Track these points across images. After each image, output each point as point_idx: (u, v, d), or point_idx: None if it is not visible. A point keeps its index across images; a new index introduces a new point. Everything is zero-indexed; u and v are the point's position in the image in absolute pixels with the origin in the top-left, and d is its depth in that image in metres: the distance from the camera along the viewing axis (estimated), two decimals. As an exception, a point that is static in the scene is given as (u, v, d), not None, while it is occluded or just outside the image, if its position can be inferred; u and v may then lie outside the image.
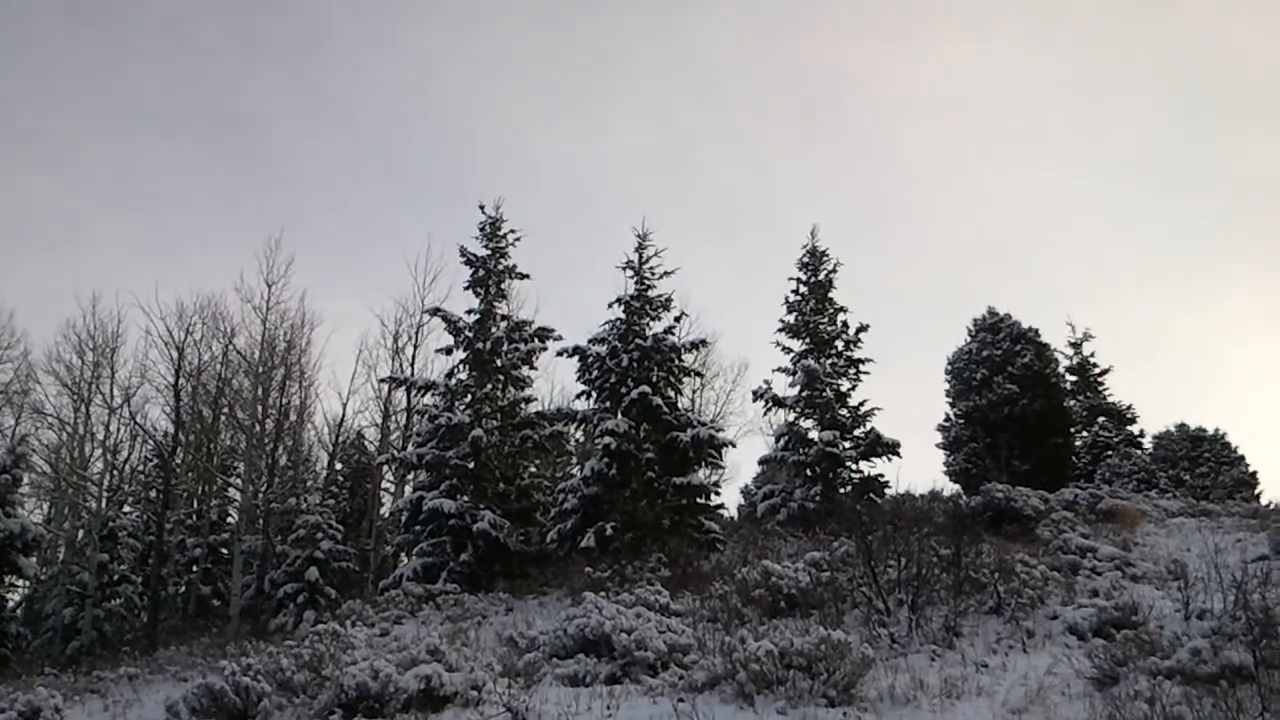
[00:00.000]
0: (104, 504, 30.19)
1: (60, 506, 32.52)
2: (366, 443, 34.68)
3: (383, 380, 30.54)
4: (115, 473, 32.61)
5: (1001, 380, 33.25)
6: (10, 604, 27.76)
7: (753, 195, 79.27)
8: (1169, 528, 23.03)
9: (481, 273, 23.74)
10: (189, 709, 10.86)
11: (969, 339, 35.69)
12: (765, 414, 27.96)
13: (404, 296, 45.83)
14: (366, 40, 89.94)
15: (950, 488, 29.85)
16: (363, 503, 32.26)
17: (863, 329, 27.21)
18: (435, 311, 24.18)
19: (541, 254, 65.55)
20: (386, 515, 31.07)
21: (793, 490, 25.09)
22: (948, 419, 35.53)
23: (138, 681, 16.18)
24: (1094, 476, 33.43)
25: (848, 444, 25.58)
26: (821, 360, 26.70)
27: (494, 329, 23.23)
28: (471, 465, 21.84)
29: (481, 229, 24.26)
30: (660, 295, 22.33)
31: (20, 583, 28.55)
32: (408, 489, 26.56)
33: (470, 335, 23.06)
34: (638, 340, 21.31)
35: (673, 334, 22.10)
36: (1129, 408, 37.86)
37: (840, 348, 27.34)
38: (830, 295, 27.84)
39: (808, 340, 27.38)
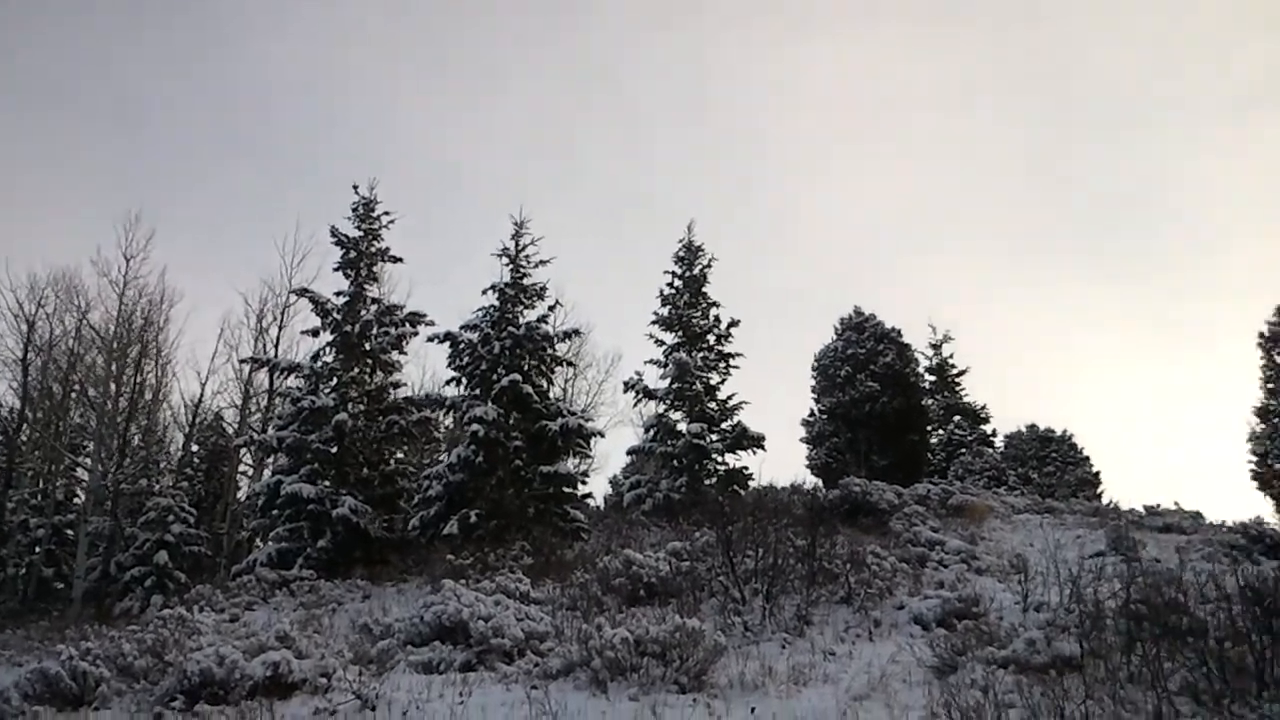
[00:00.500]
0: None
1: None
2: (225, 425, 33.64)
3: (244, 361, 29.61)
4: (-47, 450, 30.93)
5: (864, 378, 34.26)
6: None
7: (631, 189, 79.71)
8: (1015, 523, 24.13)
9: (353, 254, 23.31)
10: (20, 694, 10.41)
11: (835, 337, 36.66)
12: (636, 405, 28.21)
13: (271, 276, 44.53)
14: (246, 12, 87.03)
15: (812, 481, 30.69)
16: (219, 486, 31.34)
17: (734, 324, 27.73)
18: (303, 292, 23.64)
19: (418, 240, 64.50)
20: (243, 499, 30.21)
21: (659, 481, 25.41)
22: (812, 414, 36.43)
23: (-31, 667, 15.43)
24: (948, 473, 34.76)
25: (715, 436, 26.02)
26: (693, 353, 27.08)
27: (364, 312, 22.83)
28: (334, 450, 21.47)
29: (354, 210, 23.80)
30: (535, 284, 22.30)
31: None
32: (266, 473, 25.93)
33: (338, 317, 22.62)
34: (510, 328, 21.24)
35: (546, 323, 22.11)
36: (983, 408, 39.53)
37: (712, 342, 27.79)
38: (704, 290, 28.26)
39: (680, 333, 27.74)
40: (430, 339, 22.02)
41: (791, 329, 72.04)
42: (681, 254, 28.68)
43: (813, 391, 36.75)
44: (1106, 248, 75.71)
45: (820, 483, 29.94)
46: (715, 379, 27.24)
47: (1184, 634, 8.85)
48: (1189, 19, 69.38)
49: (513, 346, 21.01)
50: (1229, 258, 69.93)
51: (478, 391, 21.12)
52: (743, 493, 24.87)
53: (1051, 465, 36.48)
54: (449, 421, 28.15)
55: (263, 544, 22.00)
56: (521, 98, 79.85)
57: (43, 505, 31.14)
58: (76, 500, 31.80)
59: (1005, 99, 76.27)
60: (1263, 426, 32.34)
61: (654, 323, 28.07)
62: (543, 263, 22.40)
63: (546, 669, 10.61)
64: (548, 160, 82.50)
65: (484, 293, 21.89)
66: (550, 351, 22.00)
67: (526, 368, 21.07)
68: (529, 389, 20.50)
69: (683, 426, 25.97)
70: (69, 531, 30.62)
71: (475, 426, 19.58)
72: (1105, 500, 32.10)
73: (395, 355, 23.34)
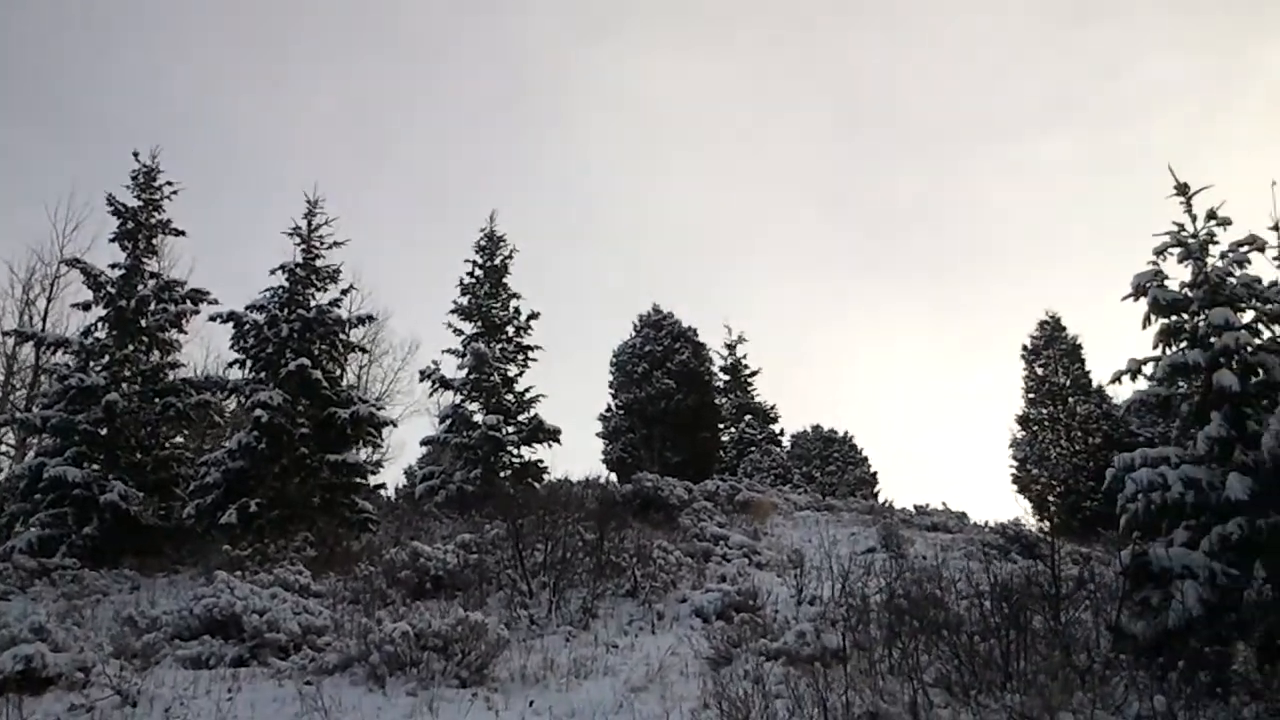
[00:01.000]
0: None
1: None
2: (-16, 402, 31.06)
3: (8, 334, 27.32)
4: None
5: (660, 375, 34.82)
6: None
7: (437, 176, 78.21)
8: (796, 520, 25.16)
9: (131, 225, 21.86)
10: None
11: (634, 334, 37.15)
12: (432, 394, 27.82)
13: (40, 244, 41.32)
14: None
15: (608, 475, 31.00)
16: (-26, 468, 28.88)
17: (534, 316, 27.74)
18: (75, 263, 21.99)
19: (209, 216, 61.04)
20: (3, 481, 27.96)
21: (453, 472, 25.10)
22: (609, 409, 36.80)
23: None
24: (738, 470, 35.83)
25: (511, 429, 25.92)
26: (492, 344, 26.90)
27: (141, 287, 21.46)
28: (104, 432, 20.11)
29: (134, 178, 22.29)
30: (329, 266, 21.50)
31: None
32: (29, 455, 24.09)
33: (113, 291, 21.18)
34: (300, 310, 20.43)
35: (339, 307, 21.34)
36: (773, 408, 40.96)
37: (511, 333, 27.69)
38: (505, 281, 28.12)
39: (480, 324, 27.50)
40: (213, 318, 20.91)
41: (594, 325, 72.46)
42: (483, 243, 28.43)
43: (610, 387, 37.12)
44: (892, 259, 79.76)
45: (615, 477, 30.30)
46: (514, 371, 27.17)
47: (941, 628, 9.43)
48: (978, 42, 73.95)
49: (302, 330, 20.23)
50: (1004, 272, 74.94)
51: (263, 375, 20.25)
52: (537, 486, 24.90)
53: (834, 465, 38.19)
54: (234, 406, 26.94)
55: (23, 529, 20.41)
56: (329, 81, 77.07)
57: None
58: None
59: (797, 112, 79.20)
60: (1023, 433, 34.83)
61: (453, 312, 27.74)
62: (337, 244, 21.63)
63: (323, 664, 10.33)
64: (353, 143, 80.00)
65: (272, 273, 20.99)
66: (343, 336, 21.29)
67: (316, 352, 20.33)
68: (318, 374, 19.80)
69: (479, 418, 25.75)
70: None
71: (259, 412, 18.75)
72: (880, 499, 33.91)
73: (174, 334, 22.04)
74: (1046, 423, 34.31)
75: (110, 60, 71.66)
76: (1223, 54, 69.50)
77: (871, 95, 77.88)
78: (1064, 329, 35.30)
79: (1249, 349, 9.56)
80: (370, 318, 23.23)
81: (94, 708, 8.82)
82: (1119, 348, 33.51)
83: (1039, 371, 35.15)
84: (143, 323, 21.30)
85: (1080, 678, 8.09)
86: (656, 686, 9.55)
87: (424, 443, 27.49)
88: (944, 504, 29.23)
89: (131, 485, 19.45)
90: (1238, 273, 9.96)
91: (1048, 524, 29.58)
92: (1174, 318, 10.18)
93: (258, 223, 66.66)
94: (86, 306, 21.36)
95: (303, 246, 21.26)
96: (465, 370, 26.21)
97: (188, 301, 21.63)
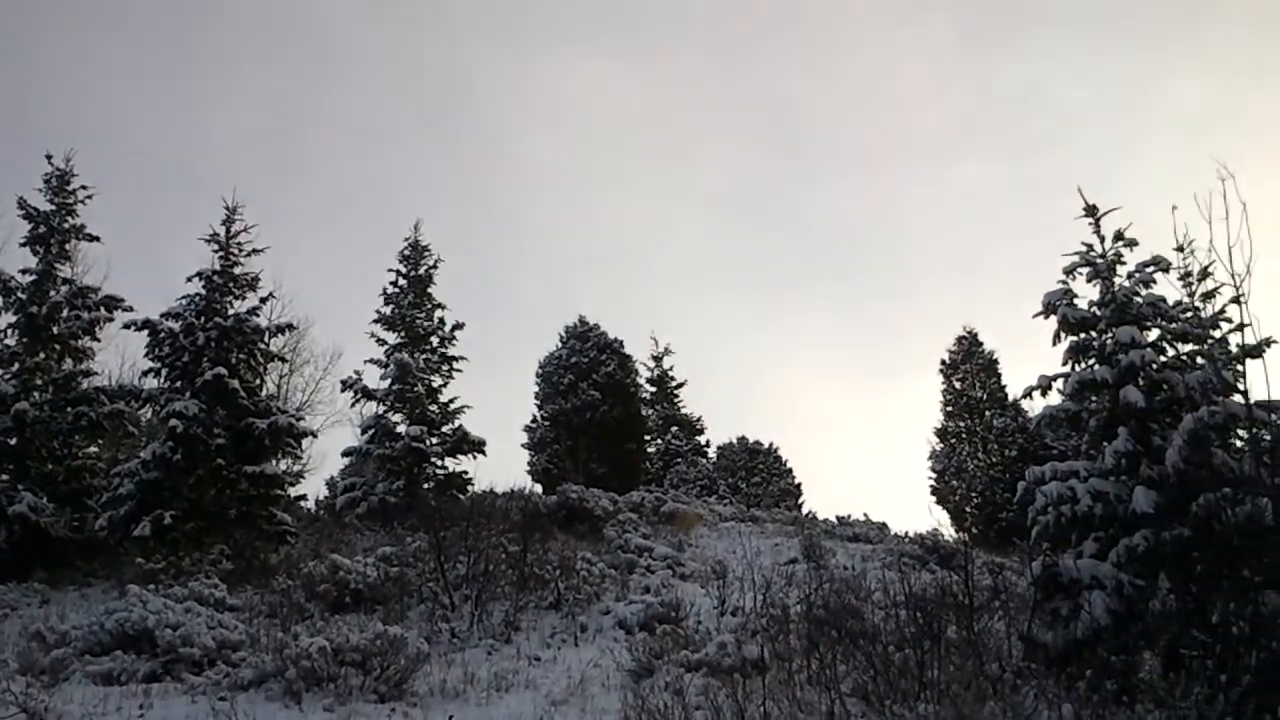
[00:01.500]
0: None
1: None
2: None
3: (-91, 339, 26.41)
4: None
5: (586, 386, 34.86)
6: None
7: (361, 185, 77.20)
8: (721, 531, 25.28)
9: (43, 229, 21.24)
10: None
11: (560, 345, 37.11)
12: (354, 405, 27.38)
13: (-54, 247, 39.86)
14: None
15: (534, 487, 30.86)
16: None
17: (458, 326, 27.52)
18: (-18, 268, 21.34)
19: (125, 222, 59.38)
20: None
21: (376, 484, 24.80)
22: (535, 420, 36.73)
23: None
24: (664, 481, 35.92)
25: (435, 440, 25.68)
26: (416, 355, 26.64)
27: (53, 293, 20.85)
28: (14, 441, 19.50)
29: (47, 181, 21.66)
30: (248, 273, 21.07)
31: None
32: (-69, 465, 23.22)
33: (23, 297, 20.56)
34: (218, 318, 20.00)
35: (258, 315, 20.94)
36: (699, 419, 41.20)
37: (435, 343, 27.45)
38: (429, 290, 27.87)
39: (403, 333, 27.23)
40: (127, 326, 20.39)
41: (520, 336, 72.15)
42: (407, 252, 28.15)
43: (536, 398, 37.06)
44: (815, 274, 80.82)
45: (540, 489, 30.18)
46: (438, 381, 26.93)
47: (858, 638, 9.57)
48: (900, 62, 75.44)
49: (219, 338, 19.82)
50: (924, 288, 76.33)
51: (179, 384, 19.80)
52: (462, 497, 24.69)
53: (759, 476, 38.44)
54: (149, 415, 26.29)
55: (-74, 543, 19.66)
56: (248, 86, 75.70)
57: None
58: None
59: (721, 127, 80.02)
60: (941, 446, 35.52)
61: (376, 321, 27.39)
62: (257, 251, 21.21)
63: (238, 680, 10.12)
64: (275, 150, 78.74)
65: (189, 280, 20.53)
66: (262, 345, 20.89)
67: (234, 361, 19.93)
68: (236, 384, 19.40)
69: (403, 429, 25.47)
70: None
71: (174, 422, 18.32)
72: (804, 511, 34.26)
73: (88, 341, 21.47)
74: (964, 435, 35.05)
75: (22, 61, 69.66)
76: (1132, 82, 71.85)
77: (793, 113, 79.00)
78: (981, 344, 36.13)
79: (1154, 366, 9.90)
80: (290, 326, 22.78)
81: (-4, 727, 8.56)
82: (1034, 363, 34.37)
83: (957, 385, 35.91)
84: (55, 330, 20.71)
85: (992, 687, 8.27)
86: (578, 699, 9.55)
87: (346, 454, 27.08)
88: (865, 515, 29.61)
89: (42, 496, 18.85)
90: (1144, 292, 10.32)
91: (965, 535, 30.17)
92: (1083, 335, 10.50)
93: (175, 229, 65.29)
94: (-5, 312, 20.70)
95: (221, 253, 20.85)
96: (389, 380, 25.92)
97: (101, 308, 21.09)
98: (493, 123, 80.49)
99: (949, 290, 74.87)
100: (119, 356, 39.39)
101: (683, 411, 41.33)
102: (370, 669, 9.72)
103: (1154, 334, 10.24)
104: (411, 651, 10.19)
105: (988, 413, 34.69)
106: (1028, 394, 10.94)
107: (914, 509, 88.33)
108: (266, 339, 20.97)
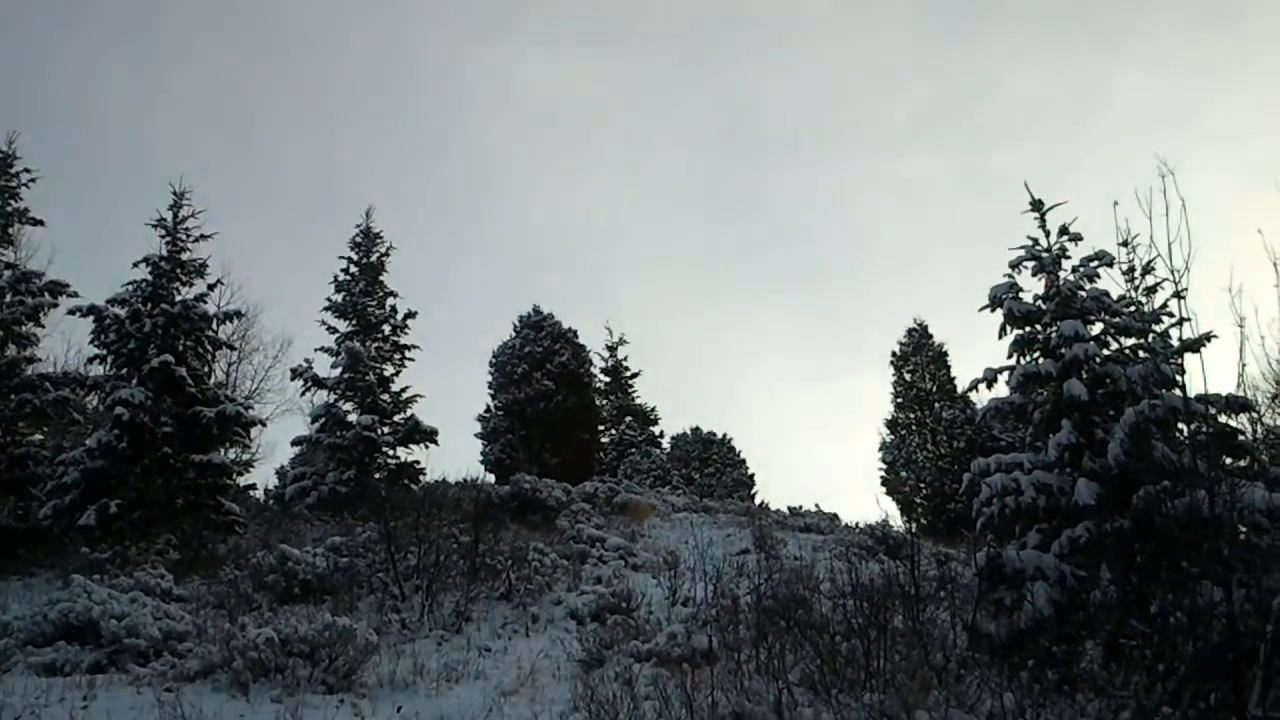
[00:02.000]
0: None
1: None
2: None
3: None
4: None
5: (540, 376, 34.74)
6: None
7: (313, 172, 76.28)
8: (674, 521, 25.38)
9: (-16, 213, 20.86)
10: None
11: (514, 334, 36.97)
12: (305, 393, 27.08)
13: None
14: None
15: (487, 477, 30.74)
16: None
17: (411, 315, 27.34)
18: (-80, 251, 20.86)
19: (67, 205, 58.18)
20: None
21: (326, 473, 24.56)
22: (488, 410, 36.55)
23: None
24: (618, 471, 35.89)
25: (386, 429, 25.52)
26: (367, 343, 26.43)
27: (-5, 277, 20.48)
28: (-45, 430, 19.18)
29: (-13, 165, 21.30)
30: (195, 259, 20.80)
31: None
32: None
33: (-37, 283, 20.16)
34: (165, 305, 19.73)
35: (206, 301, 20.69)
36: (653, 410, 41.19)
37: (387, 332, 27.23)
38: (381, 278, 27.65)
39: (355, 322, 26.99)
40: (72, 312, 20.04)
41: (473, 325, 71.79)
42: (359, 240, 27.88)
43: (490, 388, 36.86)
44: (768, 266, 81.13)
45: (493, 478, 30.08)
46: (390, 370, 26.74)
47: (807, 628, 9.67)
48: (857, 55, 75.98)
49: (166, 325, 19.54)
50: (876, 280, 76.95)
51: (125, 371, 19.50)
52: (413, 487, 24.57)
53: (712, 467, 38.56)
54: (94, 403, 25.86)
55: None
56: (200, 66, 74.39)
57: None
58: None
59: (677, 119, 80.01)
60: (891, 437, 35.85)
61: (327, 309, 27.14)
62: (205, 237, 20.95)
63: (184, 671, 10.05)
64: (224, 133, 77.53)
65: (135, 265, 20.21)
66: (209, 332, 20.63)
67: (181, 348, 19.65)
68: (183, 371, 19.15)
69: (354, 418, 25.25)
70: None
71: (120, 409, 18.04)
72: (757, 501, 34.48)
73: (31, 327, 21.08)
74: (914, 427, 35.36)
75: (-37, 36, 67.93)
76: (1082, 78, 72.85)
77: (751, 105, 79.20)
78: (931, 336, 36.43)
79: (1098, 360, 10.08)
80: (239, 313, 22.54)
81: (-64, 718, 8.40)
82: (984, 355, 34.77)
83: (907, 377, 36.21)
84: (-3, 315, 20.32)
85: (937, 676, 8.39)
86: (528, 689, 9.55)
87: (296, 443, 26.80)
88: (817, 506, 29.93)
89: (-17, 486, 18.54)
90: (1088, 286, 10.49)
91: (913, 525, 30.51)
92: (1028, 329, 10.67)
93: (122, 214, 64.08)
94: (-67, 298, 20.24)
95: (168, 239, 20.57)
96: (339, 369, 25.68)
97: (46, 294, 20.71)
98: (449, 110, 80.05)
99: (902, 282, 75.58)
100: (64, 343, 38.77)
101: (637, 402, 41.33)
102: (319, 660, 9.66)
103: (1097, 328, 10.42)
104: (361, 642, 10.15)
105: (937, 404, 34.99)
106: (974, 386, 11.10)
107: (865, 500, 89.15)
108: (215, 326, 20.75)
